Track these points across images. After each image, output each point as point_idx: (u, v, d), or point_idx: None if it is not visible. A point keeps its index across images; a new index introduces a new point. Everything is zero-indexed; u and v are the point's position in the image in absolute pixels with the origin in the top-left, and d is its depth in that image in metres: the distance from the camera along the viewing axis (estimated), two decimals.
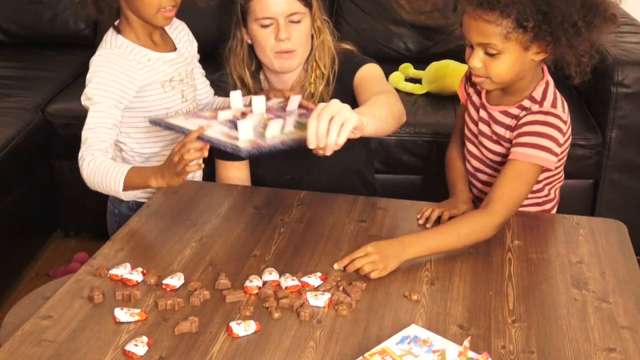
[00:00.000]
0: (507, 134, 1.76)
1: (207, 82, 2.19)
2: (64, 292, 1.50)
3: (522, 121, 1.72)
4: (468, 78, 1.91)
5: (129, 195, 1.96)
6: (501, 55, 1.65)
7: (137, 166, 1.86)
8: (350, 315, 1.43)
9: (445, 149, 2.14)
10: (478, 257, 1.64)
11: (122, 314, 1.41)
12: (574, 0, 1.59)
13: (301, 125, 1.66)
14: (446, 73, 2.94)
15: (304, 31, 1.96)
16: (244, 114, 1.75)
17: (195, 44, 2.13)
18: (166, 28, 2.02)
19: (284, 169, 2.06)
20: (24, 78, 3.11)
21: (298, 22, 1.94)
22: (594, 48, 1.66)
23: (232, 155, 1.78)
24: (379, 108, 1.71)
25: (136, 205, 2.02)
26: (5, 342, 1.36)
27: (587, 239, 1.72)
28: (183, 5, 1.93)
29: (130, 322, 1.40)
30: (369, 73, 1.99)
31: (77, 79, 3.08)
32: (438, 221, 1.76)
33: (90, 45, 3.28)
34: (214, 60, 3.13)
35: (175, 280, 1.52)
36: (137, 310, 1.42)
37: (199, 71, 2.15)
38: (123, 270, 1.55)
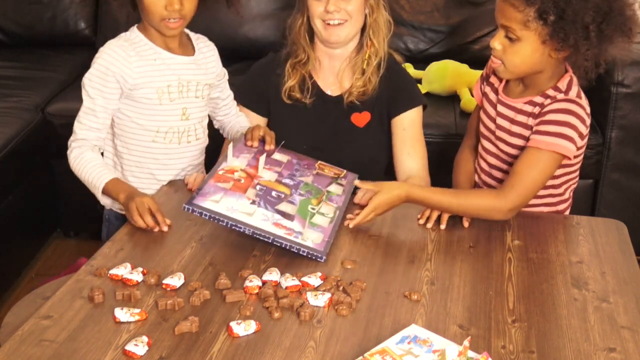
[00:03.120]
0: (530, 121, 1.78)
1: (232, 103, 2.15)
2: (64, 292, 1.50)
3: (546, 109, 1.74)
4: (484, 79, 1.93)
5: (107, 202, 1.97)
6: (519, 42, 1.69)
7: (117, 179, 1.87)
8: (350, 315, 1.43)
9: (445, 148, 2.16)
10: (478, 257, 1.64)
11: (122, 314, 1.40)
12: (589, 2, 1.63)
13: (330, 194, 1.80)
14: (446, 73, 2.94)
15: (355, 6, 2.02)
16: (250, 176, 1.77)
17: (221, 69, 2.07)
18: (194, 40, 2.01)
19: (307, 138, 2.12)
20: (24, 78, 3.10)
21: None
22: (603, 57, 1.68)
23: (257, 105, 2.16)
24: None
25: (121, 215, 1.96)
26: (5, 342, 1.36)
27: (587, 239, 1.72)
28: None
29: (130, 322, 1.40)
30: (415, 122, 2.13)
31: (77, 79, 3.02)
32: (438, 220, 1.76)
33: (90, 45, 3.27)
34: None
35: (176, 280, 1.52)
36: (137, 310, 1.42)
37: (225, 88, 2.12)
38: (123, 270, 1.55)
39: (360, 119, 2.12)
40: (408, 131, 2.11)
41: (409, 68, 3.11)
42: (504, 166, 1.87)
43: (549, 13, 1.63)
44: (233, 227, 1.62)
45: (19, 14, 3.41)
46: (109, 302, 1.46)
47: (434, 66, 2.99)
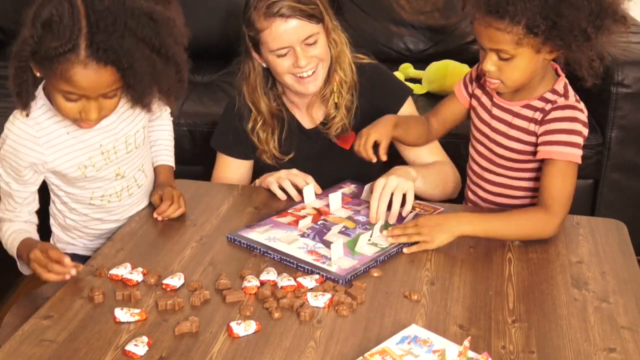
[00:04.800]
0: (531, 127, 1.75)
1: (164, 117, 1.98)
2: (64, 292, 1.50)
3: (550, 116, 1.72)
4: (471, 79, 1.90)
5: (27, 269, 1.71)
6: (514, 59, 1.65)
7: (27, 239, 1.67)
8: (351, 315, 1.43)
9: (446, 149, 2.13)
10: (478, 257, 1.64)
11: (122, 314, 1.41)
12: (582, 9, 1.59)
13: (387, 226, 1.72)
14: (446, 73, 2.94)
15: (322, 47, 1.93)
16: (320, 213, 1.78)
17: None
18: None
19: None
20: None
21: (315, 41, 1.90)
22: (604, 49, 1.66)
23: (237, 150, 2.03)
24: (435, 177, 1.95)
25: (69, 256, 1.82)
26: (5, 342, 1.36)
27: (587, 239, 1.72)
28: (190, 7, 1.78)
29: (130, 322, 1.40)
30: (411, 115, 2.06)
31: None
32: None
33: None
34: (216, 60, 3.13)
35: (176, 280, 1.52)
36: (137, 310, 1.42)
37: (167, 115, 1.98)
38: (123, 270, 1.55)
39: (346, 141, 2.05)
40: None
41: (409, 68, 3.12)
42: (498, 169, 1.85)
43: (539, 26, 1.59)
44: (265, 255, 1.62)
45: (19, 14, 3.40)
46: (109, 302, 1.46)
47: (434, 66, 2.99)
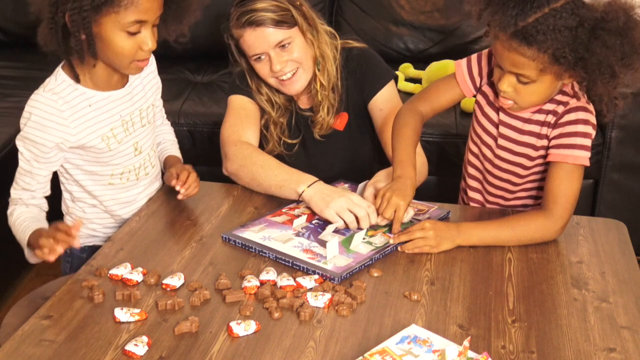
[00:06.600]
0: (544, 130, 1.74)
1: (165, 124, 2.05)
2: (64, 292, 1.50)
3: (564, 119, 1.70)
4: (484, 74, 1.81)
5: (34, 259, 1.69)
6: (534, 83, 1.61)
7: (39, 229, 1.67)
8: (350, 315, 1.43)
9: (446, 149, 2.13)
10: (478, 257, 1.64)
11: (122, 314, 1.41)
12: (614, 49, 1.53)
13: (378, 226, 1.72)
14: (446, 73, 2.92)
15: (299, 51, 1.94)
16: (314, 212, 1.76)
17: (159, 79, 1.92)
18: None
19: (297, 152, 2.09)
20: (24, 78, 3.10)
21: (289, 44, 1.93)
22: (628, 87, 1.59)
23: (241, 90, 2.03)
24: (420, 178, 1.89)
25: (87, 247, 1.89)
26: (5, 342, 1.36)
27: (587, 239, 1.72)
28: None
29: (130, 322, 1.40)
30: (390, 98, 2.05)
31: None
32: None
33: None
34: (216, 60, 3.13)
35: (175, 280, 1.52)
36: (137, 310, 1.42)
37: (159, 106, 1.99)
38: (123, 270, 1.55)
39: (340, 121, 2.07)
40: (385, 110, 2.03)
41: (409, 68, 3.12)
42: (503, 174, 1.83)
43: (567, 57, 1.53)
44: (260, 254, 1.62)
45: (19, 14, 3.41)
46: (109, 302, 1.46)
47: (434, 66, 3.00)
